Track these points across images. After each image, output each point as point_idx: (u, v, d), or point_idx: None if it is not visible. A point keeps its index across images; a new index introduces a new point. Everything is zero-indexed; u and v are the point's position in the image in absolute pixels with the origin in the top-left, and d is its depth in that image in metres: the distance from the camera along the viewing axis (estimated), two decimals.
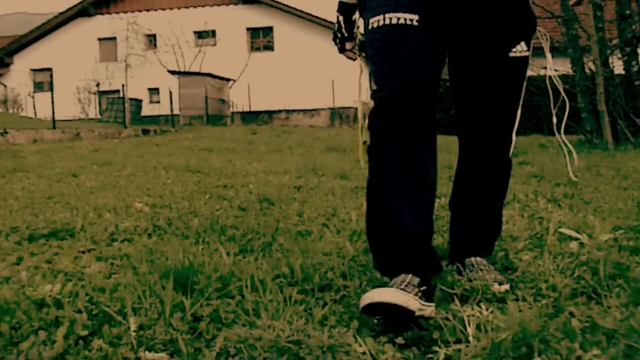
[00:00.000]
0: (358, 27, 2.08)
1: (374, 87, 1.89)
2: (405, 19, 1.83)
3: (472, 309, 1.66)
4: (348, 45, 2.22)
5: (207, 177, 5.98)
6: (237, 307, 1.77)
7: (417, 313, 1.61)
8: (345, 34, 2.18)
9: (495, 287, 1.93)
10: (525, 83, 2.07)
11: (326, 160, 7.06)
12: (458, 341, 1.52)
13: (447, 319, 1.64)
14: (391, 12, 1.85)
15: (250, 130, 17.83)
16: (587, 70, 9.53)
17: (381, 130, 1.86)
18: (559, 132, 2.21)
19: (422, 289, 1.73)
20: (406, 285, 1.70)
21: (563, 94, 2.15)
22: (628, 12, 9.55)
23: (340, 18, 2.16)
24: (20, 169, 6.64)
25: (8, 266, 2.39)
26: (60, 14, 30.72)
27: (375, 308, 1.58)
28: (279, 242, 2.68)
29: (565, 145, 2.18)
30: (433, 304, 1.71)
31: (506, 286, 1.95)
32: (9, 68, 31.04)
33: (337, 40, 2.23)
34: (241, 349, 1.33)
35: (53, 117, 15.18)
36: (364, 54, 2.11)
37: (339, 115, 26.24)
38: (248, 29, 29.45)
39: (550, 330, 1.51)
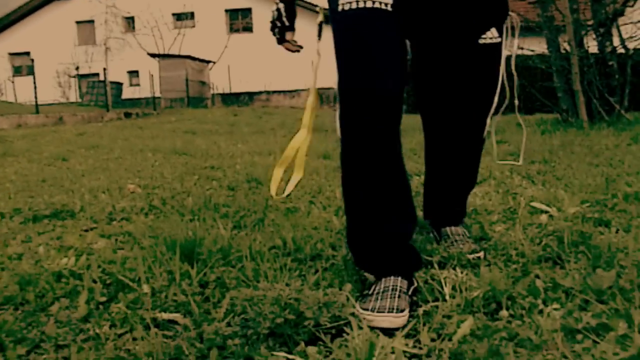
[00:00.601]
0: (320, 7, 1.94)
1: (343, 79, 1.71)
2: (380, 3, 1.67)
3: (449, 273, 1.87)
4: (289, 36, 2.10)
5: (193, 158, 6.11)
6: (239, 273, 1.95)
7: None
8: (286, 23, 2.06)
9: (469, 256, 2.09)
10: (500, 69, 2.00)
11: None
12: (436, 300, 1.72)
13: (426, 281, 1.84)
14: None
15: (231, 112, 17.92)
16: (562, 51, 9.68)
17: (357, 129, 1.71)
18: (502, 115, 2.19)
19: (410, 293, 1.71)
20: (399, 296, 1.63)
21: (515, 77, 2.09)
22: None
23: (281, 5, 2.04)
24: (9, 154, 6.75)
25: (20, 244, 2.55)
26: None
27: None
28: (270, 218, 2.84)
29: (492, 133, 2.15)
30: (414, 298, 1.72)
31: (480, 254, 2.12)
32: None
33: (276, 31, 2.09)
34: (246, 307, 1.52)
35: (36, 101, 15.14)
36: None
37: (319, 96, 26.19)
38: (227, 10, 29.30)
39: (517, 289, 1.71)
